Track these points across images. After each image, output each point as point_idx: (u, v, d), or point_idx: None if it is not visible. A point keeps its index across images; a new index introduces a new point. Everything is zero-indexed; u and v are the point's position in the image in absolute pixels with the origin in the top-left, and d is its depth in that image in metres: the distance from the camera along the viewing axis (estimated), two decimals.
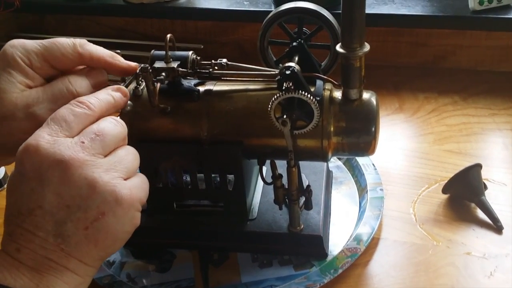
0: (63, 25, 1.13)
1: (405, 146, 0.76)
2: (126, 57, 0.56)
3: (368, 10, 0.89)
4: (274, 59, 0.62)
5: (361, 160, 0.71)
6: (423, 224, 0.62)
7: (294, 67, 0.52)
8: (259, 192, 0.65)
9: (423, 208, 0.65)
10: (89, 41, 1.12)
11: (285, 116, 0.52)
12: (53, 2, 1.10)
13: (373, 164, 0.70)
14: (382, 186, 0.67)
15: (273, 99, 0.52)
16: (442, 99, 0.85)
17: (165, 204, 0.61)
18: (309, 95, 0.51)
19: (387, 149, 0.75)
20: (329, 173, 0.70)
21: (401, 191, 0.68)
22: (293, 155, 0.54)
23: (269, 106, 0.52)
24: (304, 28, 0.60)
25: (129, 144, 0.59)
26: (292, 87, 0.51)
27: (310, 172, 0.67)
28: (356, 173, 0.70)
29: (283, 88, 0.51)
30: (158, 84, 0.54)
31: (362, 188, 0.68)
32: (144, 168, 0.60)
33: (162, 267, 0.60)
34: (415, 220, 0.63)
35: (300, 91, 0.51)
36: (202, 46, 1.01)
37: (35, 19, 1.14)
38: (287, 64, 0.53)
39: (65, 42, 0.51)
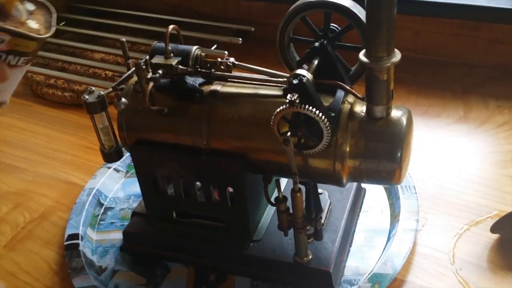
0: None
1: (461, 166, 0.64)
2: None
3: None
4: (297, 58, 0.53)
5: None
6: (460, 269, 0.52)
7: (304, 76, 0.43)
8: (272, 210, 0.57)
9: (465, 248, 0.54)
10: (143, 17, 1.08)
11: (288, 134, 0.44)
12: None
13: (414, 187, 0.60)
14: (419, 215, 0.57)
15: (276, 112, 0.44)
16: None
17: (164, 212, 0.56)
18: (317, 112, 0.42)
19: (437, 166, 0.64)
20: (360, 192, 0.60)
21: (443, 222, 0.57)
22: (297, 179, 0.46)
23: (272, 120, 0.44)
24: (333, 25, 0.50)
25: (124, 144, 0.54)
26: (298, 101, 0.43)
27: (335, 189, 0.58)
28: (392, 195, 0.60)
29: (287, 101, 0.43)
30: (151, 84, 0.48)
31: (395, 215, 0.58)
32: (140, 171, 0.54)
33: (153, 282, 0.55)
34: (452, 263, 0.53)
35: (306, 106, 0.42)
36: (253, 29, 0.94)
37: None
38: (298, 71, 0.44)
39: None
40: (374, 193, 0.62)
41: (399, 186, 0.60)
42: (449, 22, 0.80)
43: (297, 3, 0.50)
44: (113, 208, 0.64)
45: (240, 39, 0.90)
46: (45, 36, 0.45)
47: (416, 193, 0.59)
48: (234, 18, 0.98)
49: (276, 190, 0.48)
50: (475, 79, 0.79)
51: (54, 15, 0.46)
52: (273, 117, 0.44)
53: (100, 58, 0.95)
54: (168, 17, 1.01)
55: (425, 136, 0.70)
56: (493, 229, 0.53)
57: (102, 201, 0.65)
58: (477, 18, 0.77)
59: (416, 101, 0.76)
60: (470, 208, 0.58)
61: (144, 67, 0.48)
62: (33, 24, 0.44)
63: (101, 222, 0.63)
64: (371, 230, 0.57)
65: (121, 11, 1.07)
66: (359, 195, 0.60)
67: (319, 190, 0.57)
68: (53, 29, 0.46)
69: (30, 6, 0.43)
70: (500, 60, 0.80)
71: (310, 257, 0.51)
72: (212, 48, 0.91)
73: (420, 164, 0.65)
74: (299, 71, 0.44)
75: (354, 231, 0.57)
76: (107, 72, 0.90)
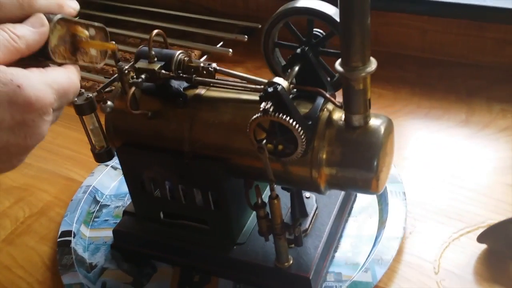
0: None
1: (457, 171, 0.63)
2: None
3: None
4: (283, 63, 0.53)
5: (390, 185, 0.60)
6: (444, 279, 0.51)
7: (279, 85, 0.43)
8: None
9: (451, 258, 0.53)
10: (153, 12, 1.09)
11: (264, 141, 0.44)
12: None
13: (404, 193, 0.59)
14: (408, 222, 0.56)
15: (251, 120, 0.44)
16: None
17: (152, 213, 0.57)
18: (291, 121, 0.42)
19: (432, 171, 0.63)
20: (349, 197, 0.60)
21: (432, 230, 0.56)
22: (273, 185, 0.46)
23: (248, 127, 0.44)
24: (317, 31, 0.50)
25: (113, 145, 0.55)
26: (272, 109, 0.43)
27: None
28: (382, 200, 0.60)
29: (261, 109, 0.43)
30: (133, 88, 0.48)
31: (382, 221, 0.57)
32: (127, 172, 0.55)
33: (139, 281, 0.56)
34: (436, 272, 0.52)
35: (279, 114, 0.42)
36: (259, 26, 0.94)
37: None
38: (274, 79, 0.44)
39: (11, 4, 0.40)
40: (365, 197, 0.61)
41: (389, 191, 0.59)
42: (456, 21, 0.78)
43: (281, 8, 0.49)
44: (108, 205, 0.66)
45: (246, 36, 0.90)
46: (100, 65, 0.47)
47: (405, 199, 0.58)
48: (243, 15, 0.98)
49: (264, 192, 0.49)
50: (480, 81, 0.77)
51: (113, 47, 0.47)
52: (248, 124, 0.44)
53: (108, 54, 0.96)
54: (178, 13, 1.03)
55: (424, 139, 0.69)
56: (480, 239, 0.52)
57: (98, 198, 0.66)
58: (484, 19, 0.75)
59: (419, 103, 0.75)
60: (462, 216, 0.57)
61: (127, 71, 0.49)
62: (93, 51, 0.46)
63: (96, 220, 0.64)
64: (358, 235, 0.57)
65: (134, 6, 1.08)
66: (348, 200, 0.60)
67: (307, 194, 0.57)
68: (106, 58, 0.47)
69: (92, 32, 0.45)
70: (507, 61, 0.78)
71: (291, 262, 0.51)
72: (218, 45, 0.91)
73: (414, 169, 0.64)
74: (275, 79, 0.44)
75: (340, 236, 0.57)
76: (114, 68, 0.91)
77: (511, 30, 0.75)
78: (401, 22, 0.83)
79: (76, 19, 0.43)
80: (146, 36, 0.96)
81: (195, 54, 0.92)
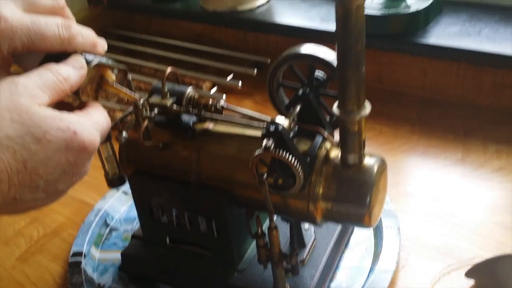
0: (148, 24, 1.17)
1: (451, 208, 0.66)
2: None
3: (448, 41, 0.80)
4: (286, 101, 0.56)
5: (386, 220, 0.63)
6: None
7: (280, 125, 0.47)
8: None
9: None
10: (168, 44, 1.14)
11: (265, 176, 0.48)
12: (140, 3, 1.13)
13: (398, 227, 0.62)
14: (401, 256, 0.59)
15: (253, 155, 0.47)
16: None
17: (158, 237, 0.60)
18: (290, 158, 0.46)
19: (428, 207, 0.66)
20: (346, 229, 0.63)
21: (424, 265, 0.59)
22: (273, 217, 0.49)
23: (250, 162, 0.48)
24: (318, 74, 0.54)
25: (124, 173, 0.58)
26: (273, 146, 0.46)
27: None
28: (377, 233, 0.63)
29: (263, 146, 0.46)
30: (146, 121, 0.52)
31: (377, 254, 0.60)
32: (137, 199, 0.59)
33: None
34: None
35: (279, 152, 0.46)
36: (269, 60, 0.98)
37: (125, 16, 1.19)
38: (276, 119, 0.48)
39: (53, 39, 0.43)
40: (363, 231, 0.64)
41: (384, 226, 0.62)
42: (455, 64, 0.82)
43: (285, 52, 0.54)
44: (118, 229, 0.69)
45: (255, 70, 0.95)
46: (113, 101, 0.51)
47: (399, 233, 0.61)
48: (252, 49, 1.02)
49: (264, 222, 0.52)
50: (478, 122, 0.80)
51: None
52: (251, 159, 0.48)
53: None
54: (192, 45, 1.07)
55: (421, 176, 0.72)
56: (468, 275, 0.55)
57: (108, 221, 0.70)
58: (482, 63, 0.79)
59: (417, 141, 0.78)
60: (453, 252, 0.60)
61: (142, 106, 0.53)
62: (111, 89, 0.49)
63: (105, 242, 0.67)
64: (354, 267, 0.60)
65: (150, 37, 1.13)
66: (346, 232, 0.63)
67: (306, 226, 0.60)
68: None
69: (115, 71, 0.48)
70: (505, 103, 0.81)
71: None
72: (228, 78, 0.96)
73: (410, 204, 0.67)
74: (277, 119, 0.48)
75: (337, 267, 0.60)
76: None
77: (508, 74, 0.79)
78: (403, 62, 0.87)
79: (104, 59, 0.47)
80: (160, 67, 1.02)
81: (206, 86, 0.97)
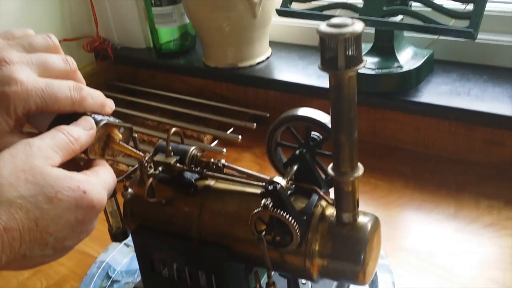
0: (152, 78, 1.21)
1: (443, 263, 0.68)
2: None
3: (439, 100, 0.83)
4: (284, 160, 0.59)
5: (381, 275, 0.65)
6: None
7: (278, 184, 0.50)
8: None
9: None
10: (171, 97, 1.18)
11: (263, 233, 0.50)
12: (145, 59, 1.18)
13: (393, 282, 0.64)
14: None
15: (252, 213, 0.50)
16: (506, 211, 0.75)
17: None
18: (287, 216, 0.48)
19: (420, 262, 0.68)
20: (343, 285, 0.64)
21: None
22: (271, 273, 0.51)
23: (249, 219, 0.50)
24: (315, 134, 0.57)
25: (127, 227, 0.61)
26: (271, 205, 0.49)
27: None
28: None
29: (261, 204, 0.49)
30: (151, 179, 0.55)
31: None
32: (139, 253, 0.61)
33: None
34: None
35: (277, 210, 0.48)
36: (268, 115, 1.02)
37: (130, 71, 1.23)
38: (274, 178, 0.51)
39: (65, 101, 0.46)
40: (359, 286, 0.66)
41: (379, 280, 0.64)
42: (447, 121, 0.86)
43: (283, 114, 0.57)
44: (119, 281, 0.71)
45: (255, 124, 0.98)
46: (119, 158, 0.54)
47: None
48: (253, 103, 1.06)
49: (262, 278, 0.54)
50: (470, 177, 0.83)
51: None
52: (250, 217, 0.50)
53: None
54: (193, 99, 1.11)
55: (415, 231, 0.74)
56: None
57: (110, 273, 0.71)
58: (472, 121, 0.82)
59: (412, 195, 0.81)
60: None
61: (146, 163, 0.56)
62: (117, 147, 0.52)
63: None
64: None
65: (153, 90, 1.17)
66: (342, 286, 0.64)
67: (303, 281, 0.62)
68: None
69: (121, 130, 0.51)
70: (495, 160, 0.84)
71: None
72: (228, 131, 0.99)
73: (405, 259, 0.69)
74: (275, 178, 0.50)
75: None
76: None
77: (496, 132, 0.82)
78: (397, 119, 0.90)
79: (112, 119, 0.50)
80: (164, 120, 1.05)
81: (207, 139, 1.00)
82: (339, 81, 0.44)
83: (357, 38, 0.42)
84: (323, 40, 0.42)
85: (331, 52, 0.42)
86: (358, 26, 0.41)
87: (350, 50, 0.42)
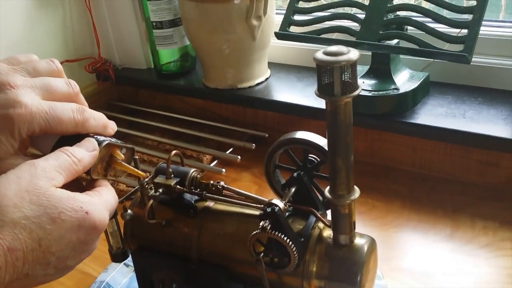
0: (153, 98, 1.22)
1: (440, 284, 0.68)
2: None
3: (434, 122, 0.85)
4: (282, 182, 0.60)
5: None
6: None
7: (276, 206, 0.51)
8: None
9: None
10: (171, 117, 1.19)
11: (261, 255, 0.51)
12: (146, 79, 1.20)
13: None
14: None
15: (251, 235, 0.51)
16: (501, 232, 0.76)
17: None
18: (285, 238, 0.49)
19: (416, 283, 0.69)
20: None
21: None
22: None
23: (248, 241, 0.51)
24: (312, 157, 0.58)
25: (127, 247, 0.61)
26: (269, 227, 0.50)
27: None
28: None
29: (260, 226, 0.50)
30: (151, 201, 0.56)
31: None
32: (139, 273, 0.62)
33: None
34: None
35: (276, 232, 0.49)
36: (266, 135, 1.03)
37: (131, 91, 1.25)
38: (272, 201, 0.52)
39: (68, 123, 0.47)
40: None
41: None
42: (443, 142, 0.87)
43: (281, 137, 0.58)
44: None
45: (254, 144, 0.99)
46: (121, 178, 0.55)
47: None
48: (252, 123, 1.08)
49: None
50: (466, 198, 0.84)
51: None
52: (249, 239, 0.51)
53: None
54: (193, 119, 1.13)
55: (412, 251, 0.75)
56: None
57: None
58: (467, 143, 0.84)
59: (408, 216, 0.82)
60: None
61: (147, 185, 0.57)
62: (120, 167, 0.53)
63: None
64: None
65: (153, 110, 1.19)
66: None
67: None
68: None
69: (123, 150, 0.52)
70: (490, 181, 0.85)
71: None
72: (228, 152, 1.00)
73: (402, 279, 0.70)
74: (273, 201, 0.52)
75: None
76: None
77: (491, 153, 0.83)
78: (393, 140, 0.91)
79: (114, 139, 0.51)
80: (164, 140, 1.06)
81: (207, 158, 1.01)
82: (335, 107, 0.45)
83: (352, 66, 0.43)
84: (320, 68, 0.44)
85: (328, 79, 0.44)
86: (353, 54, 0.43)
87: (345, 77, 0.43)
